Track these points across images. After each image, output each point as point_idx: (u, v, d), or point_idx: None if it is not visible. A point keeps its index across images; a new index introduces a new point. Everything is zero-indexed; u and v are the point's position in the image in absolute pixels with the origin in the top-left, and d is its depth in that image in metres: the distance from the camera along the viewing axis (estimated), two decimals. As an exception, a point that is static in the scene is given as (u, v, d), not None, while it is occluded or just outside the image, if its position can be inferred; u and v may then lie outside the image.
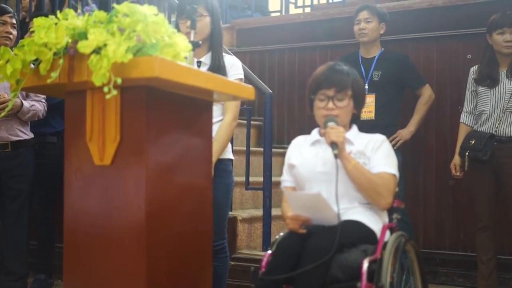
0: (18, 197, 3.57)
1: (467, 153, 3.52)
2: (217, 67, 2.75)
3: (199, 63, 2.72)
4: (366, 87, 3.74)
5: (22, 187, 3.59)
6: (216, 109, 2.76)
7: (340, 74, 2.38)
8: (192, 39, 2.31)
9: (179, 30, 2.49)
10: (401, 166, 3.67)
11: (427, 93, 3.90)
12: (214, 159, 2.69)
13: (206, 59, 2.80)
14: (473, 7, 4.13)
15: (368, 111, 3.73)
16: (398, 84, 3.84)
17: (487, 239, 3.50)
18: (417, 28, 4.28)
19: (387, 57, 3.85)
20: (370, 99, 3.73)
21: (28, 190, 3.63)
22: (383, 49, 3.90)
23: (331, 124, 2.30)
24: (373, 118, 3.73)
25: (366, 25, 3.81)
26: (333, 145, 2.25)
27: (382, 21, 3.85)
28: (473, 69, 3.60)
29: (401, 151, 3.77)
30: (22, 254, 3.59)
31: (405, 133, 3.84)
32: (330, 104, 2.35)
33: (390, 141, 3.68)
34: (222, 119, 2.82)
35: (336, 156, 2.24)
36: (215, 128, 2.69)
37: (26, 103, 3.51)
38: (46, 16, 1.74)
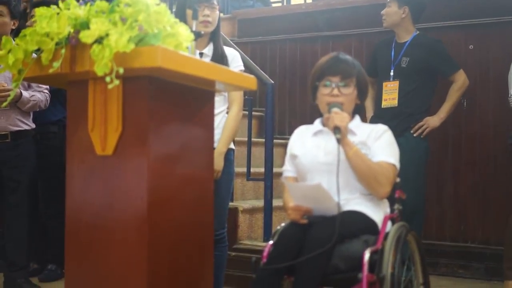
0: (18, 189, 3.55)
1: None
2: (220, 58, 2.76)
3: (201, 55, 2.73)
4: (392, 73, 3.63)
5: (22, 178, 3.57)
6: (218, 100, 2.76)
7: (345, 63, 2.38)
8: (194, 29, 2.30)
9: (181, 20, 2.48)
10: (426, 155, 3.58)
11: (461, 79, 3.68)
12: (224, 149, 2.73)
13: (208, 50, 2.80)
14: (476, -2, 4.12)
15: (391, 98, 3.59)
16: (427, 71, 3.64)
17: None
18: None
19: (418, 43, 3.66)
20: (394, 86, 3.60)
21: (28, 181, 3.60)
22: (417, 33, 3.71)
23: (335, 109, 2.29)
24: (396, 105, 3.58)
25: (386, 10, 3.68)
26: (336, 129, 2.24)
27: (403, 4, 3.64)
28: None
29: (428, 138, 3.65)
30: (23, 245, 3.58)
31: (433, 120, 3.62)
32: (336, 91, 2.34)
33: (416, 130, 3.55)
34: (223, 110, 2.83)
35: (338, 140, 2.23)
36: (216, 119, 2.70)
37: (26, 93, 3.47)
38: (48, 5, 1.73)
